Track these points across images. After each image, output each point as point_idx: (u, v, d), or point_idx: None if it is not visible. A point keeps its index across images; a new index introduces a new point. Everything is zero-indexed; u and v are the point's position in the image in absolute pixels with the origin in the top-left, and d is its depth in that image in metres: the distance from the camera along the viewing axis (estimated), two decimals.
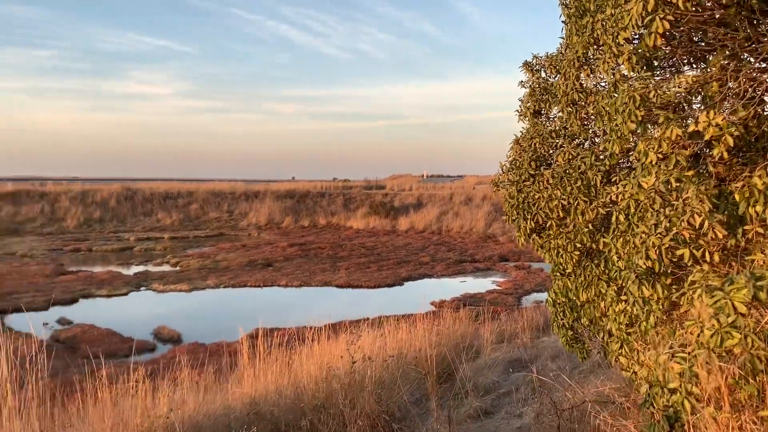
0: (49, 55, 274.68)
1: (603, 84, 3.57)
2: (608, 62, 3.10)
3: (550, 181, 3.42)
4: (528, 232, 3.58)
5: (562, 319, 4.00)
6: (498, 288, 23.03)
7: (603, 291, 3.25)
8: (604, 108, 3.16)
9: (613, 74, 3.16)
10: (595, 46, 3.31)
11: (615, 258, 3.17)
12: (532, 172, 3.61)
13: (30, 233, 41.05)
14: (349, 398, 4.63)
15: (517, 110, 4.09)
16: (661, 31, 2.75)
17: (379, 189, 59.40)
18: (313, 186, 57.26)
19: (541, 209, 3.46)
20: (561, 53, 3.86)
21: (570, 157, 3.46)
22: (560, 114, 3.75)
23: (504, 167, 3.89)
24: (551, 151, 3.66)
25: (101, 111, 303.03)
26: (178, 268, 27.84)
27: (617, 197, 3.20)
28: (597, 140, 3.68)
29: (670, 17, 2.73)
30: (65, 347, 15.14)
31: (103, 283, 23.25)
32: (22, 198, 45.19)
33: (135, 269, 27.78)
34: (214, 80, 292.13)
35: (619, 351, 3.30)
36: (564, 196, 3.36)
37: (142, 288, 23.04)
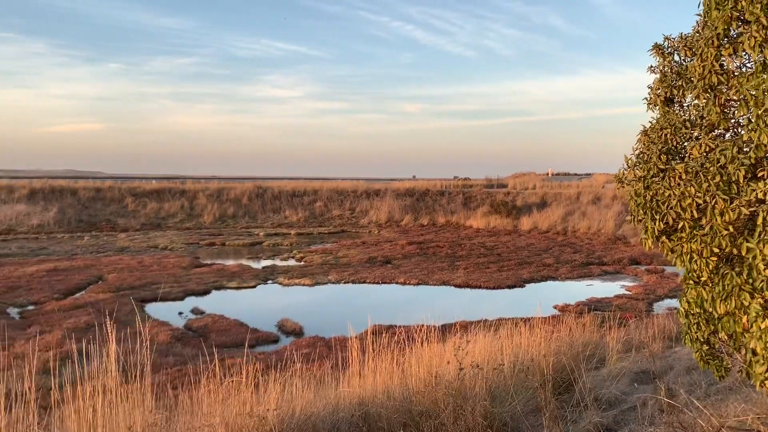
0: (192, 62, 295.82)
1: (748, 65, 3.10)
2: (755, 37, 2.67)
3: (683, 176, 3.01)
4: (656, 234, 3.18)
5: (696, 332, 3.55)
6: (627, 293, 21.71)
7: (746, 303, 2.81)
8: (749, 92, 2.73)
9: (762, 51, 2.72)
10: (738, 21, 2.88)
11: (761, 266, 2.73)
12: (662, 167, 3.20)
13: (171, 228, 44.34)
14: (456, 407, 4.44)
15: (646, 98, 3.67)
16: None
17: (501, 187, 58.27)
18: (433, 184, 57.26)
19: (671, 208, 3.05)
20: (697, 32, 3.41)
21: (707, 149, 3.03)
22: (695, 101, 3.31)
23: (629, 161, 3.49)
24: (684, 143, 3.24)
25: (237, 114, 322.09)
26: (302, 263, 28.85)
27: (764, 195, 2.76)
28: (740, 130, 3.21)
29: None
30: (196, 336, 16.06)
31: (234, 276, 24.53)
32: (164, 195, 48.92)
33: (263, 263, 29.11)
34: (341, 82, 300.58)
35: (766, 374, 2.85)
36: (699, 194, 2.94)
37: (268, 281, 24.05)
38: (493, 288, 22.71)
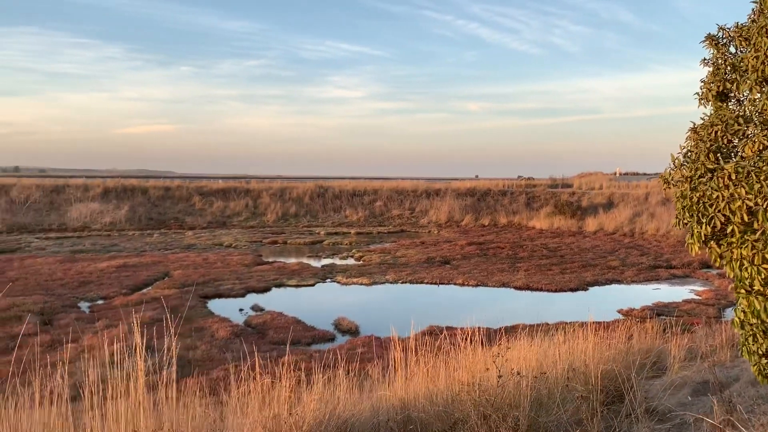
0: (259, 64, 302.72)
1: None
2: None
3: (733, 177, 2.77)
4: (703, 238, 2.96)
5: (753, 344, 3.30)
6: (696, 297, 20.77)
7: None
8: None
9: None
10: None
11: None
12: (711, 166, 2.97)
13: (236, 226, 45.44)
14: (496, 416, 4.29)
15: (697, 93, 3.42)
16: None
17: (566, 187, 56.91)
18: (495, 184, 56.49)
19: (719, 211, 2.82)
20: (753, 21, 3.15)
21: (761, 147, 2.78)
22: (751, 95, 3.05)
23: (676, 161, 3.26)
24: (735, 141, 2.99)
25: (302, 115, 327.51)
26: (360, 262, 28.98)
27: None
28: None
29: None
30: (255, 332, 16.34)
31: (294, 274, 24.87)
32: (230, 194, 50.21)
33: (322, 262, 29.42)
34: (404, 82, 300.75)
35: None
36: (750, 196, 2.70)
37: (327, 280, 24.26)
38: (555, 291, 22.15)
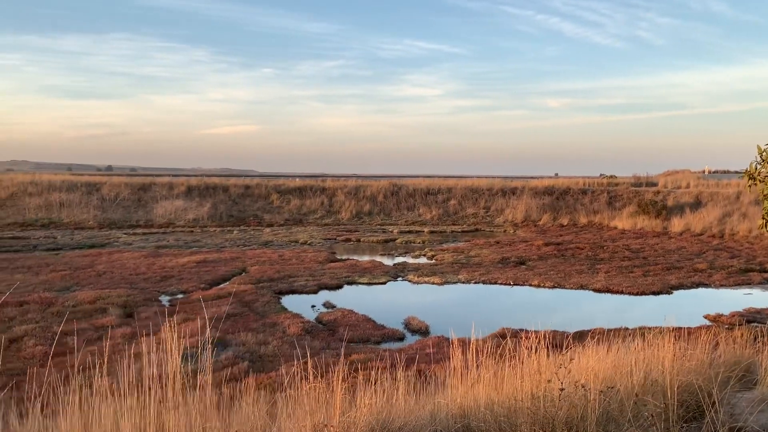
0: (337, 65, 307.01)
1: None
2: None
3: None
4: None
5: None
6: None
7: None
8: None
9: None
10: None
11: None
12: None
13: (311, 223, 46.17)
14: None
15: None
16: None
17: (650, 186, 54.47)
18: (575, 182, 54.79)
19: None
20: None
21: None
22: None
23: (764, 152, 2.88)
24: None
25: (378, 114, 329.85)
26: (433, 261, 28.72)
27: None
28: None
29: None
30: (326, 329, 16.42)
31: (365, 272, 24.92)
32: (306, 192, 51.07)
33: (395, 260, 29.36)
34: (482, 79, 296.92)
35: None
36: None
37: (398, 278, 24.16)
38: (637, 294, 21.14)
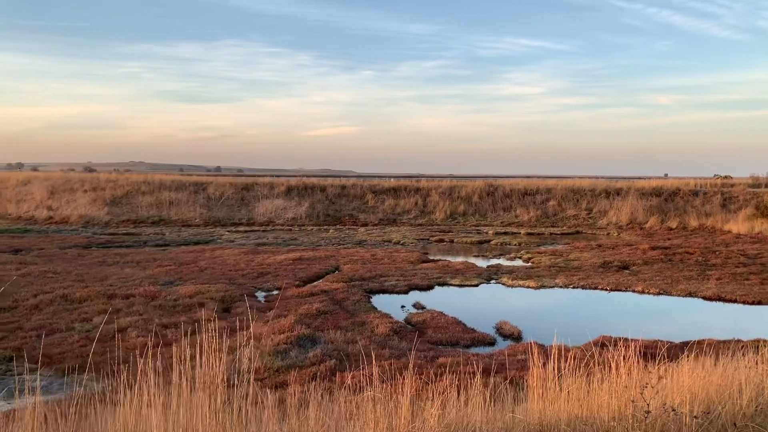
0: (436, 65, 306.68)
1: None
2: None
3: None
4: None
5: None
6: None
7: None
8: None
9: None
10: None
11: None
12: None
13: (405, 223, 46.17)
14: None
15: None
16: None
17: None
18: (685, 183, 51.57)
19: None
20: None
21: None
22: None
23: None
24: None
25: (477, 113, 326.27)
26: (529, 263, 27.81)
27: None
28: None
29: None
30: (414, 330, 16.19)
31: (457, 273, 24.48)
32: (401, 192, 51.17)
33: (488, 262, 28.69)
34: (587, 76, 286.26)
35: None
36: None
37: (491, 281, 23.54)
38: (753, 303, 19.43)
